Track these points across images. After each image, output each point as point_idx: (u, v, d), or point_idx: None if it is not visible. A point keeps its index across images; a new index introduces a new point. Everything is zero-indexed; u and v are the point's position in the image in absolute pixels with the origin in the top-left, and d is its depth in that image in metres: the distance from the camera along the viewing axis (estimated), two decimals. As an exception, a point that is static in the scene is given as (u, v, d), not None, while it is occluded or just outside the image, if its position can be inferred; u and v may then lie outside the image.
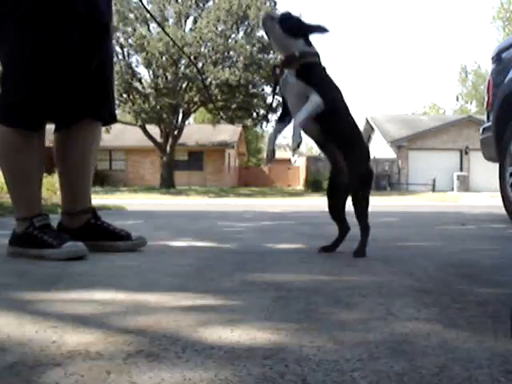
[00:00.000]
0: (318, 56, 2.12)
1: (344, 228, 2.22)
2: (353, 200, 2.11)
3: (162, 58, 21.66)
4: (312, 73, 2.07)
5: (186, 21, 23.25)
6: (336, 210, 2.23)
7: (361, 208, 2.12)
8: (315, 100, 1.98)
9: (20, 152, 2.10)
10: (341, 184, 2.17)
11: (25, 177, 2.12)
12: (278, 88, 2.18)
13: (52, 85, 2.06)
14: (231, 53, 22.05)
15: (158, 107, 22.07)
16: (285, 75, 2.11)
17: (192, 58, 21.49)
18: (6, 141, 2.09)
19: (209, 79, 21.54)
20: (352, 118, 2.18)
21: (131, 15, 22.55)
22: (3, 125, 2.07)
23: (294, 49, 2.06)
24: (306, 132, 2.11)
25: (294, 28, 2.08)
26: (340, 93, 2.14)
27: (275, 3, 23.31)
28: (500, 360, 0.83)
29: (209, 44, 21.84)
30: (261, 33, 22.98)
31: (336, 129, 2.08)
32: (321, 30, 2.11)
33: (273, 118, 24.88)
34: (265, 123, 25.23)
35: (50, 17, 2.01)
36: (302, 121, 1.98)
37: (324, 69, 2.13)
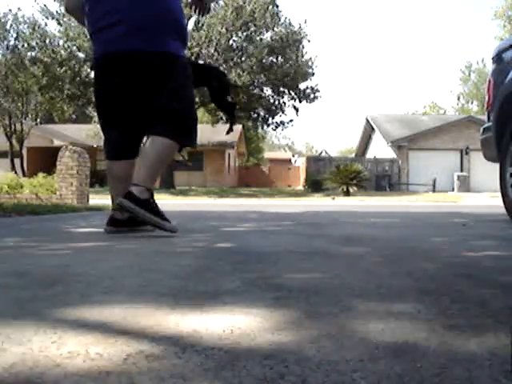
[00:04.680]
0: None
1: None
2: None
3: None
4: None
5: (188, 20, 23.22)
6: None
7: None
8: None
9: (174, 153, 3.13)
10: None
11: (164, 165, 3.19)
12: None
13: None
14: (234, 53, 22.02)
15: None
16: None
17: (194, 57, 21.48)
18: (174, 148, 3.04)
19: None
20: None
21: None
22: (185, 141, 3.12)
23: None
24: None
25: None
26: None
27: (277, 5, 23.33)
28: (500, 360, 0.83)
29: (214, 44, 21.80)
30: (266, 35, 23.03)
31: None
32: None
33: (272, 120, 24.91)
34: (264, 125, 25.21)
35: None
36: None
37: None
